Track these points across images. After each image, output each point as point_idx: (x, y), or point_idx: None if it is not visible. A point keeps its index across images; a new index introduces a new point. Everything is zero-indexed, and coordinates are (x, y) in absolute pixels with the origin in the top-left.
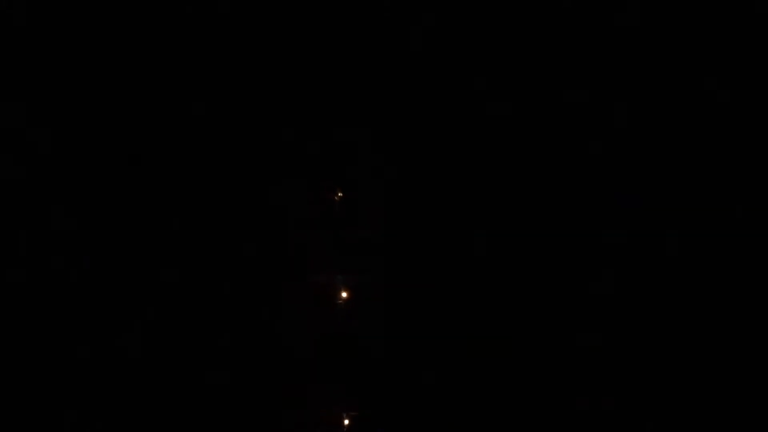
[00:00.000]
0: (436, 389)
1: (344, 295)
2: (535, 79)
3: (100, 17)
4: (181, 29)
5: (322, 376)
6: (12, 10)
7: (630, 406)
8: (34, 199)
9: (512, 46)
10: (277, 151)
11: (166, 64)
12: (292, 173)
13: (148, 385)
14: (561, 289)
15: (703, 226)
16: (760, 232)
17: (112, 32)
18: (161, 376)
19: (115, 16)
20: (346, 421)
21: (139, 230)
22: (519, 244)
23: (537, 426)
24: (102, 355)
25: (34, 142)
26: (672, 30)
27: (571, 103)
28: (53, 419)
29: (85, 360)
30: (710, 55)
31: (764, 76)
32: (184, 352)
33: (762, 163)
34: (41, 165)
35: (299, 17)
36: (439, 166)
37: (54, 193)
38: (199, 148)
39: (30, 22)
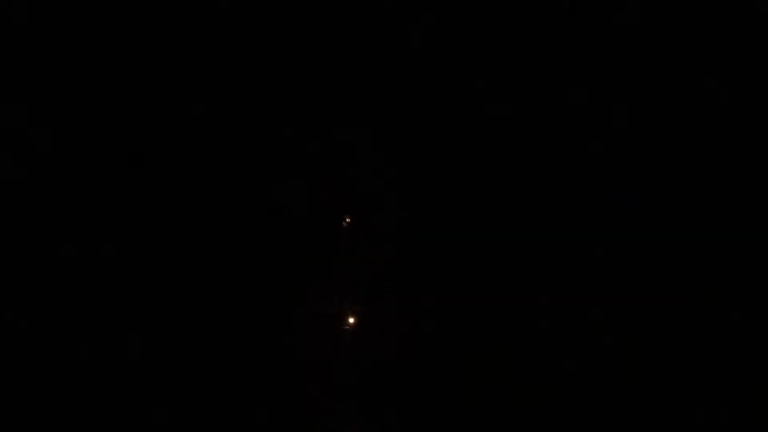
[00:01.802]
0: (439, 409)
1: (351, 320)
2: (535, 79)
3: (100, 17)
4: (181, 29)
5: (329, 397)
6: (12, 10)
7: (629, 406)
8: (34, 199)
9: (512, 47)
10: (290, 182)
11: (166, 64)
12: (304, 202)
13: (163, 410)
14: (565, 312)
15: (703, 226)
16: (760, 233)
17: (112, 32)
18: (175, 401)
19: (115, 16)
20: None
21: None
22: (523, 270)
23: None
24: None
25: (34, 142)
26: (672, 30)
27: (571, 103)
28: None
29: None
30: (710, 55)
31: (764, 76)
32: (194, 373)
33: (762, 163)
34: (41, 165)
35: (299, 17)
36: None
37: (54, 194)
38: (202, 169)
39: (30, 22)
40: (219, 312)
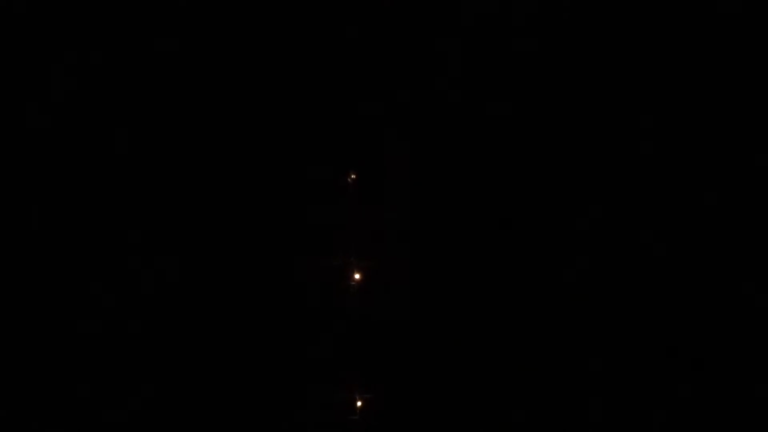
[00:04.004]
0: (448, 370)
1: (357, 276)
2: (536, 78)
3: (100, 17)
4: (181, 29)
5: (335, 358)
6: (12, 9)
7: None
8: (36, 199)
9: (512, 46)
10: (294, 137)
11: (165, 59)
12: (309, 157)
13: (170, 351)
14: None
15: (704, 226)
16: (760, 231)
17: (113, 32)
18: (185, 346)
19: (115, 15)
20: (359, 403)
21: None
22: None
23: (559, 406)
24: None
25: (33, 142)
26: (672, 30)
27: (570, 103)
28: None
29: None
30: (710, 54)
31: (764, 76)
32: (201, 329)
33: (762, 162)
34: (42, 165)
35: (299, 17)
36: (450, 154)
37: (54, 193)
38: (212, 134)
39: (30, 22)
40: (219, 267)
